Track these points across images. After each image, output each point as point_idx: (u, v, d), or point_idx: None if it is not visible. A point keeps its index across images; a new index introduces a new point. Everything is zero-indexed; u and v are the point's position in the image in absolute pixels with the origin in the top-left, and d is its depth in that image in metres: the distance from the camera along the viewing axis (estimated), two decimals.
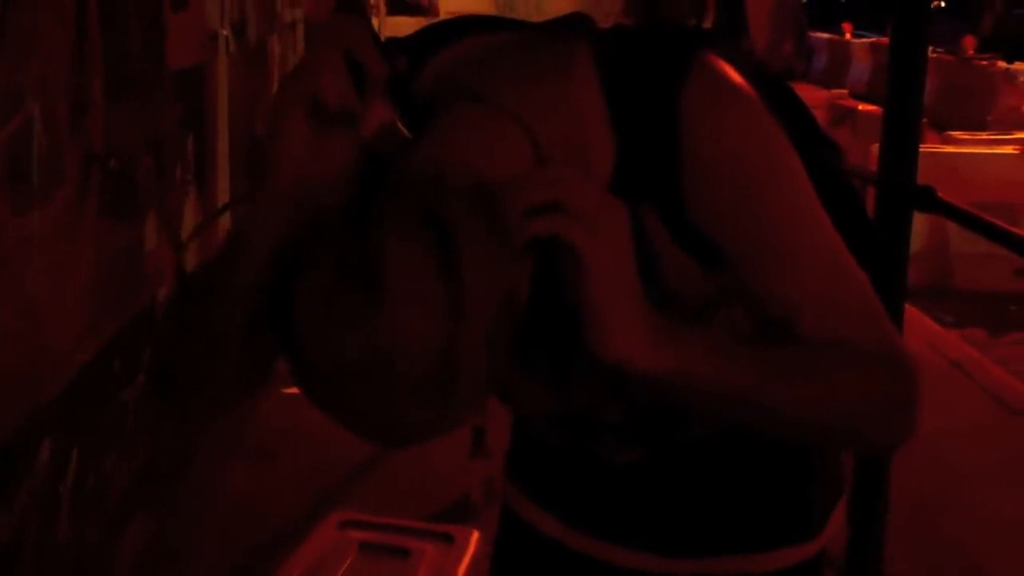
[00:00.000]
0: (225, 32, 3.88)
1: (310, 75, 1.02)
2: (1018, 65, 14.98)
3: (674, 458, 1.37)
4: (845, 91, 14.17)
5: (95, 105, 2.49)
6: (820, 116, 9.82)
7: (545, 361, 1.24)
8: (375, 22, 8.86)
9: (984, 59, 15.77)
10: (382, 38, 1.09)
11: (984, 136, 9.48)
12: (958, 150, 8.28)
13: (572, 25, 1.21)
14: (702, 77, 1.11)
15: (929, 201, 2.72)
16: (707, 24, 6.30)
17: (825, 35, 22.54)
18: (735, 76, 1.14)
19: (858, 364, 1.13)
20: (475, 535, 2.81)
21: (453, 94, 1.13)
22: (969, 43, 16.71)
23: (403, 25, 8.71)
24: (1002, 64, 15.21)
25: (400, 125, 1.03)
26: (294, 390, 1.04)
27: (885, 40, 2.89)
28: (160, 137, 3.07)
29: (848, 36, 21.13)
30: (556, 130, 1.11)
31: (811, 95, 10.70)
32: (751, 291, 1.15)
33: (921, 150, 2.81)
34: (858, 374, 1.13)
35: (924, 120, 3.58)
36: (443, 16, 8.89)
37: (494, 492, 3.34)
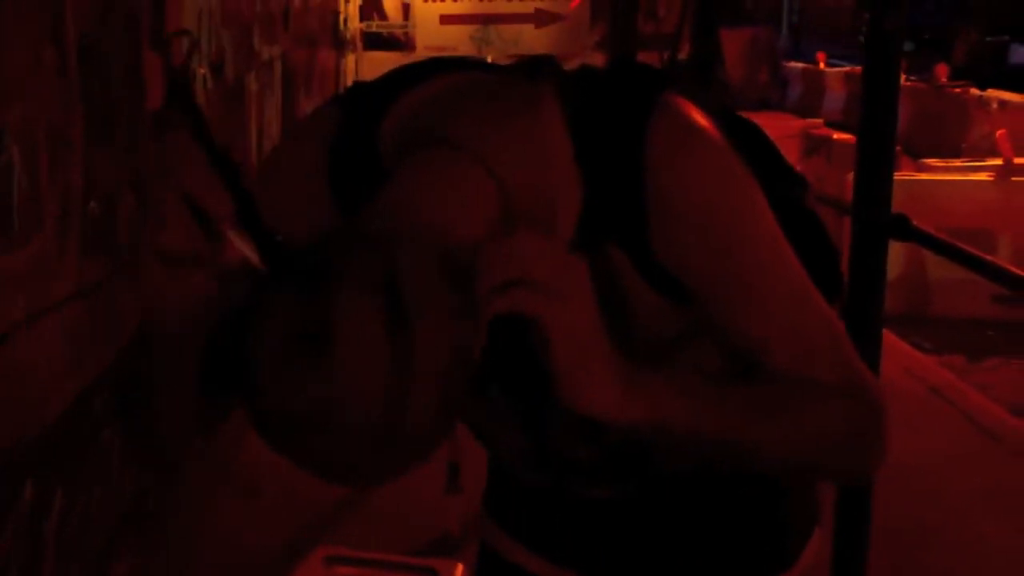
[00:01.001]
0: (203, 71, 3.90)
1: (154, 227, 1.04)
2: (991, 92, 15.10)
3: (647, 493, 1.39)
4: (820, 120, 14.25)
5: (75, 145, 2.50)
6: (795, 145, 9.91)
7: (516, 403, 1.25)
8: (351, 58, 8.89)
9: (957, 87, 15.89)
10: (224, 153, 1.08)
11: (958, 163, 9.53)
12: (933, 177, 8.32)
13: (538, 67, 1.22)
14: (666, 119, 1.13)
15: (904, 230, 2.74)
16: (683, 56, 6.34)
17: (800, 65, 22.69)
18: (699, 118, 1.15)
19: (827, 400, 1.14)
20: (459, 568, 2.81)
21: (418, 137, 1.14)
22: (942, 71, 16.83)
23: (380, 60, 8.74)
24: (975, 91, 15.32)
25: (254, 261, 1.02)
26: None
27: (859, 69, 2.94)
28: (140, 176, 3.07)
29: (822, 65, 21.26)
30: (523, 173, 1.12)
31: (786, 124, 10.77)
32: (719, 329, 1.16)
33: (896, 178, 2.84)
34: (827, 410, 1.14)
35: (898, 148, 3.61)
36: (420, 50, 8.92)
37: (472, 526, 3.35)
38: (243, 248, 1.02)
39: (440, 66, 1.26)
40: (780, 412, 1.13)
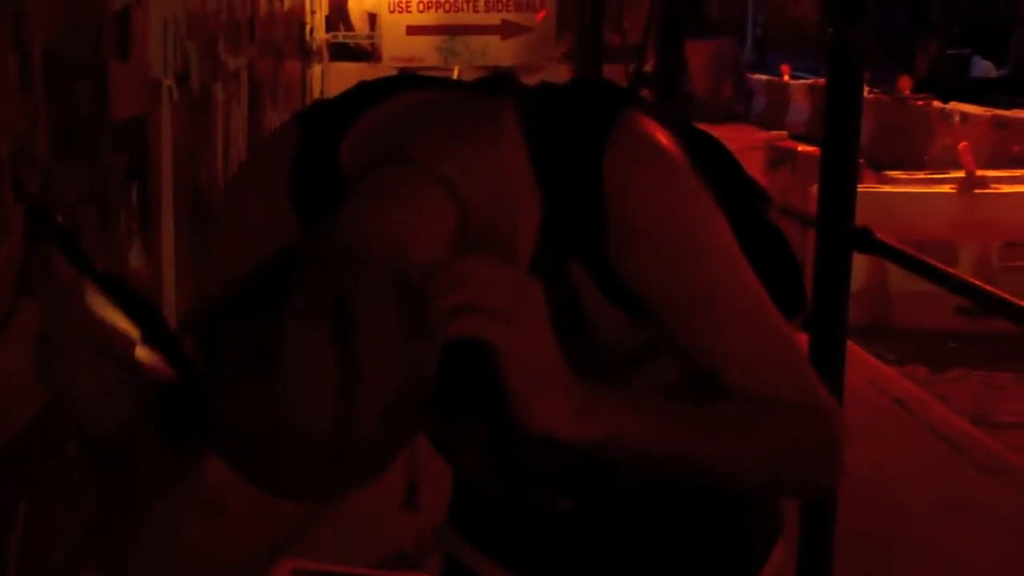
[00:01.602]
0: (168, 81, 3.89)
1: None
2: (953, 105, 15.23)
3: (609, 505, 1.39)
4: (784, 132, 14.34)
5: (39, 157, 2.49)
6: (759, 157, 9.96)
7: (479, 420, 1.25)
8: (318, 69, 8.88)
9: (920, 99, 16.02)
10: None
11: (921, 175, 9.62)
12: (896, 190, 8.39)
13: (498, 84, 1.22)
14: (624, 136, 1.13)
15: (867, 242, 2.76)
16: (648, 68, 6.36)
17: (764, 77, 22.82)
18: (658, 134, 1.16)
19: (783, 418, 1.15)
20: None
21: (379, 156, 1.14)
22: (905, 84, 16.96)
23: (346, 71, 8.72)
24: (938, 104, 15.46)
25: (165, 370, 1.03)
26: None
27: (823, 81, 2.96)
28: (104, 187, 3.06)
29: (786, 78, 21.39)
30: (482, 190, 1.12)
31: (750, 136, 10.81)
32: (678, 344, 1.17)
33: (859, 190, 2.85)
34: (783, 427, 1.15)
35: (861, 160, 3.64)
36: (386, 61, 8.92)
37: (426, 543, 3.38)
38: (155, 365, 1.02)
39: (400, 83, 1.26)
40: (735, 429, 1.14)
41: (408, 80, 1.27)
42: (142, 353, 1.02)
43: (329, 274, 1.00)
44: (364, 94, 1.25)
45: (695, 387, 1.17)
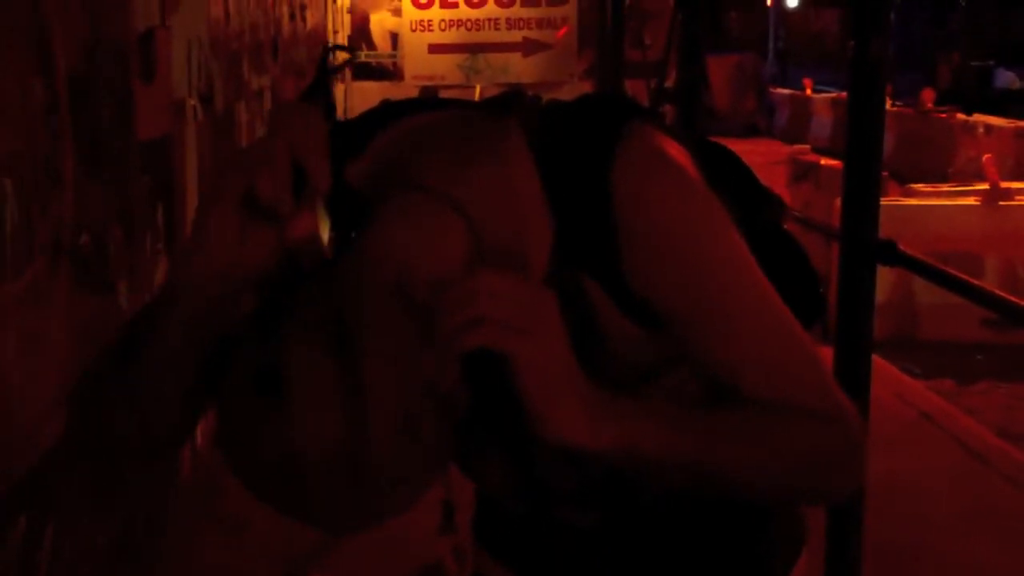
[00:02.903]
0: (193, 102, 3.92)
1: (251, 165, 0.98)
2: (977, 117, 15.19)
3: (632, 520, 1.39)
4: (807, 146, 14.32)
5: (66, 178, 2.51)
6: (782, 171, 9.93)
7: (499, 435, 1.25)
8: (340, 88, 8.92)
9: (943, 111, 15.98)
10: (341, 113, 1.09)
11: (945, 188, 9.58)
12: (920, 202, 8.36)
13: (506, 103, 1.22)
14: (632, 147, 1.13)
15: (892, 255, 2.75)
16: (669, 83, 6.37)
17: (786, 91, 22.81)
18: (666, 145, 1.15)
19: (802, 425, 1.14)
20: None
21: (389, 180, 1.14)
22: (928, 96, 16.93)
23: (369, 90, 8.77)
24: (961, 116, 15.41)
25: (322, 244, 0.99)
26: None
27: (845, 95, 2.95)
28: (130, 208, 3.08)
29: (809, 91, 21.38)
30: (492, 210, 1.13)
31: (773, 150, 10.82)
32: (693, 355, 1.17)
33: (883, 203, 2.85)
34: (802, 435, 1.14)
35: (885, 173, 3.64)
36: (409, 80, 8.96)
37: (465, 559, 3.35)
38: (315, 226, 0.98)
39: (411, 106, 1.27)
40: (752, 436, 1.13)
41: (419, 103, 1.28)
42: (320, 210, 0.99)
43: (329, 291, 1.00)
44: (377, 118, 1.25)
45: (713, 399, 1.17)
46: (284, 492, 1.00)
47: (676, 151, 1.16)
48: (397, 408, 0.98)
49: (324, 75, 2.48)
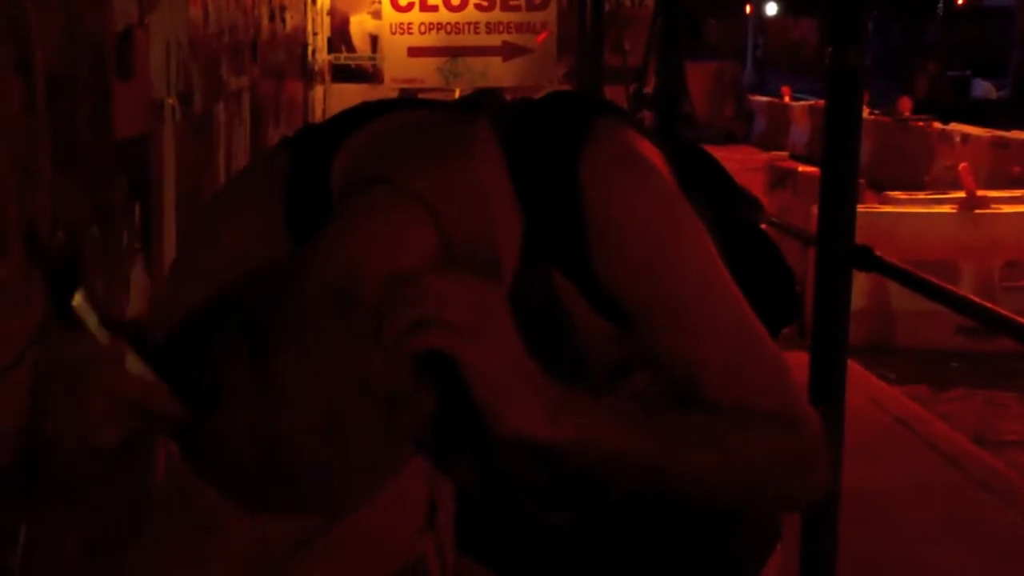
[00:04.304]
0: (171, 100, 3.90)
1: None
2: (954, 126, 15.28)
3: (603, 518, 1.39)
4: (785, 153, 14.38)
5: (42, 176, 2.50)
6: (760, 178, 9.97)
7: (466, 432, 1.26)
8: (320, 90, 8.90)
9: (920, 120, 16.07)
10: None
11: (922, 196, 9.64)
12: (897, 210, 8.41)
13: (476, 103, 1.23)
14: (599, 144, 1.14)
15: (868, 260, 2.76)
16: (648, 89, 6.39)
17: (765, 98, 22.90)
18: (635, 142, 1.16)
19: (760, 429, 1.14)
20: None
21: (360, 178, 1.15)
22: (905, 105, 17.03)
23: (348, 92, 8.75)
24: (938, 125, 15.50)
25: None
26: None
27: (823, 102, 2.96)
28: (107, 206, 3.07)
29: (787, 99, 21.47)
30: (459, 205, 1.13)
31: (752, 157, 10.87)
32: (656, 354, 1.17)
33: (860, 210, 2.86)
34: (761, 439, 1.14)
35: (862, 181, 3.65)
36: (388, 83, 8.94)
37: (447, 558, 3.35)
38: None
39: (385, 106, 1.28)
40: (715, 441, 1.13)
41: (397, 104, 1.29)
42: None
43: (250, 292, 1.02)
44: (351, 118, 1.26)
45: (674, 398, 1.17)
46: (221, 478, 1.02)
47: (646, 148, 1.17)
48: (315, 404, 0.98)
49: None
